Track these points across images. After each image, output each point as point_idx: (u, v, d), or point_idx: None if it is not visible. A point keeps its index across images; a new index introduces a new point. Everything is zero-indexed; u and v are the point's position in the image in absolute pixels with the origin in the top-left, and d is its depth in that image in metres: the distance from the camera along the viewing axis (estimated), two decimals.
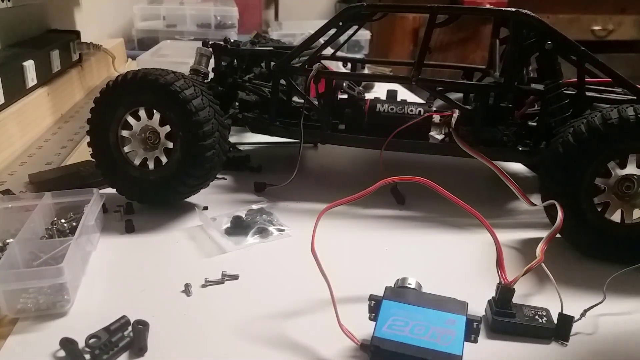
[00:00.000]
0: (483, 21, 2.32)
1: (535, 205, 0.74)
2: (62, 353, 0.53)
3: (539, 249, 0.61)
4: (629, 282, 0.66)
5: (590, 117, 0.71)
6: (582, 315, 0.59)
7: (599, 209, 0.72)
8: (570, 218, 0.70)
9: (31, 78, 1.13)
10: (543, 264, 0.60)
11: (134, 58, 1.71)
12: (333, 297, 0.55)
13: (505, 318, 0.58)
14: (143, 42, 1.94)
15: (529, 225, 0.82)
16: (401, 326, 0.50)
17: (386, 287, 0.56)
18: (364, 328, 0.54)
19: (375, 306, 0.54)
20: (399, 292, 0.56)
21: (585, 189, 0.71)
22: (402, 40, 2.49)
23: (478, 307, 0.61)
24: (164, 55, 1.66)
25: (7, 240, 0.68)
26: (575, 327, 0.58)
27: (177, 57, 1.59)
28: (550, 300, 0.60)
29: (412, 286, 0.57)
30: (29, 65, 1.11)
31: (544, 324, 0.58)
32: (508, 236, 0.78)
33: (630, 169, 0.71)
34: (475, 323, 0.51)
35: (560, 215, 0.66)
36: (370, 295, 0.54)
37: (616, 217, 0.73)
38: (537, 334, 0.58)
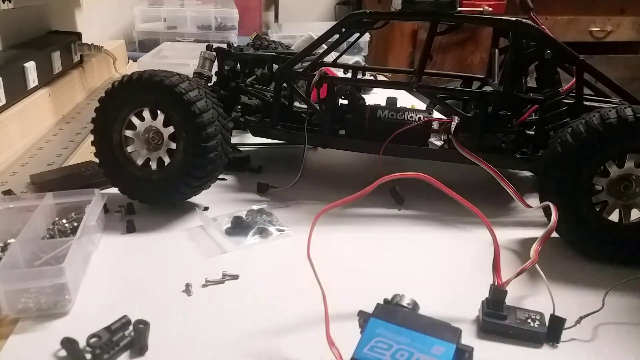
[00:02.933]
0: None
1: (531, 207, 0.74)
2: (63, 353, 0.53)
3: (533, 249, 0.61)
4: (629, 291, 0.65)
5: (589, 117, 0.71)
6: (578, 322, 0.58)
7: (597, 209, 0.72)
8: (568, 218, 0.70)
9: (32, 79, 1.13)
10: (537, 265, 0.60)
11: (134, 59, 1.71)
12: (326, 310, 0.53)
13: (496, 319, 0.58)
14: (144, 44, 1.95)
15: (527, 225, 0.83)
16: (383, 349, 0.47)
17: (377, 304, 0.52)
18: (356, 341, 0.50)
19: (364, 323, 0.51)
20: (391, 310, 0.52)
21: (584, 188, 0.71)
22: (401, 43, 2.49)
23: (474, 307, 0.61)
24: (165, 56, 1.67)
25: (9, 241, 0.68)
26: (571, 334, 0.58)
27: (177, 58, 1.60)
28: (550, 303, 0.59)
29: (408, 305, 0.55)
30: (30, 66, 1.12)
31: (535, 328, 0.57)
32: (506, 236, 0.78)
33: (629, 169, 0.71)
34: (467, 353, 0.48)
35: (554, 215, 0.65)
36: (359, 311, 0.52)
37: (614, 217, 0.73)
38: (527, 337, 0.57)
